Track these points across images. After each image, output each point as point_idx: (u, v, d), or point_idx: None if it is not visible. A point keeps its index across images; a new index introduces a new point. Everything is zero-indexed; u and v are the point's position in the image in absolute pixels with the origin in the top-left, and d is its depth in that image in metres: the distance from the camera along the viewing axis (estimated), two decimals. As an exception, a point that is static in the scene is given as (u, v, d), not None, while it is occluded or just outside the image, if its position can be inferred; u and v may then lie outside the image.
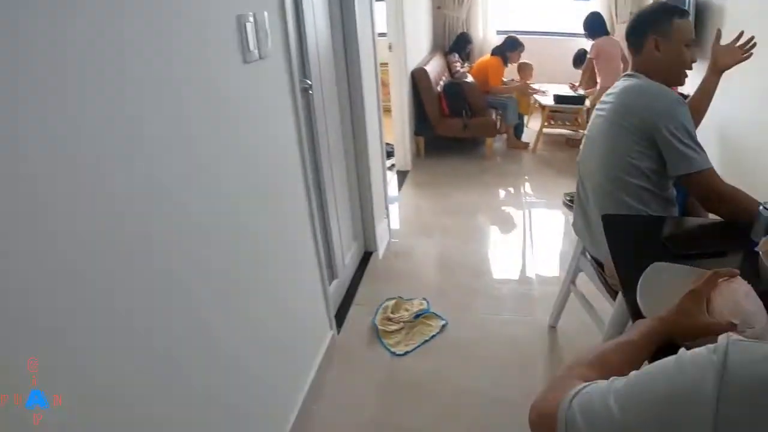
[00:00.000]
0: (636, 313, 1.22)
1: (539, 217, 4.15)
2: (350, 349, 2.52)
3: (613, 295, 2.00)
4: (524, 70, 5.81)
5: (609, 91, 1.92)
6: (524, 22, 6.87)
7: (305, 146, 1.88)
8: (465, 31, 6.41)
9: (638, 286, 1.26)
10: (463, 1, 6.29)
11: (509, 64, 5.61)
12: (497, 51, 5.57)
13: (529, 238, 3.74)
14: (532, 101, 5.96)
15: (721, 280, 1.08)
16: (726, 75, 1.98)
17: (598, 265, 2.10)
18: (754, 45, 1.96)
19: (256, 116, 1.56)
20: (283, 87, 1.74)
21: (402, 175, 4.73)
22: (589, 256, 2.23)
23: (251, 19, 1.46)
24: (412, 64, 4.82)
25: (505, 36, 5.71)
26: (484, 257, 3.45)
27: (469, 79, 5.19)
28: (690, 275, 1.25)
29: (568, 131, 5.89)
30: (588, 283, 2.30)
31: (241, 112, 1.47)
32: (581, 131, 5.68)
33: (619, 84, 1.88)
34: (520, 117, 5.70)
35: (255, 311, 1.63)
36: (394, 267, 3.25)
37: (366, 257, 3.28)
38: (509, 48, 5.49)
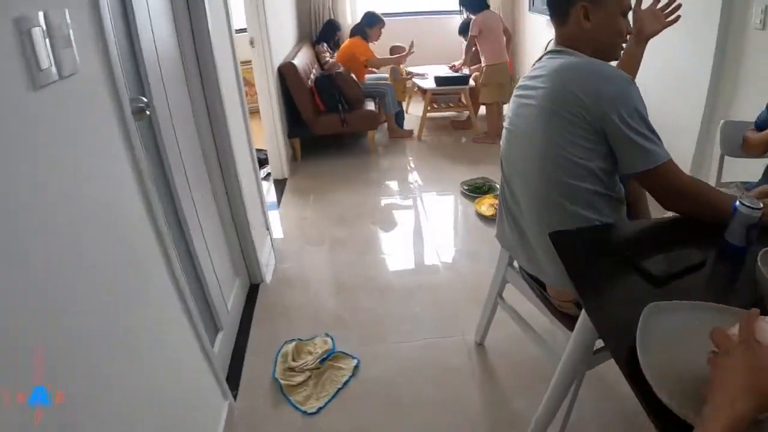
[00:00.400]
0: (608, 333, 1.10)
1: (437, 211, 3.88)
2: (253, 417, 2.07)
3: (559, 316, 1.71)
4: (397, 52, 5.52)
5: (533, 73, 1.59)
6: (395, 4, 6.59)
7: (148, 183, 1.41)
8: (332, 17, 6.01)
9: (638, 339, 0.97)
10: None
11: (372, 42, 5.31)
12: (356, 30, 5.28)
13: (431, 238, 3.45)
14: (410, 85, 5.69)
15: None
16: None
17: (535, 281, 1.79)
18: (679, 6, 1.74)
19: (61, 162, 1.07)
20: (105, 112, 1.26)
21: (280, 185, 4.28)
22: (518, 267, 1.94)
23: (41, 22, 0.97)
24: (279, 59, 4.36)
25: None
26: (386, 270, 3.10)
27: (342, 69, 4.79)
28: (700, 313, 1.02)
29: (453, 113, 5.69)
30: (515, 293, 2.02)
31: (37, 161, 0.99)
32: (465, 112, 5.49)
33: (545, 63, 1.56)
34: (399, 104, 5.39)
35: (128, 410, 1.19)
36: (287, 298, 2.81)
37: (253, 292, 2.83)
38: (367, 24, 5.20)
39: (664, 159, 1.40)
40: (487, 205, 3.73)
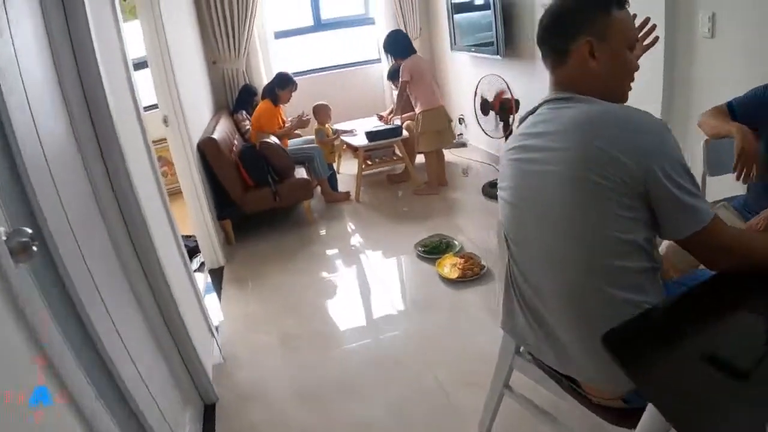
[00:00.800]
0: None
1: (396, 280, 3.56)
2: None
3: (600, 411, 1.40)
4: (320, 112, 5.23)
5: (532, 129, 1.33)
6: (310, 60, 6.34)
7: (57, 341, 1.02)
8: (247, 82, 5.67)
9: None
10: (240, 51, 5.56)
11: (282, 105, 5.03)
12: (266, 91, 4.96)
13: (399, 315, 3.11)
14: (337, 143, 5.40)
15: None
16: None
17: (564, 377, 1.46)
18: (654, 27, 1.58)
19: None
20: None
21: (216, 275, 3.84)
22: (529, 357, 1.62)
23: None
24: (197, 135, 3.98)
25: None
26: (353, 364, 2.71)
27: (273, 139, 4.44)
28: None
29: (388, 167, 5.43)
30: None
31: None
32: (401, 164, 5.23)
33: (549, 114, 1.30)
34: (330, 166, 5.07)
35: None
36: (250, 417, 2.38)
37: (209, 414, 2.39)
38: (278, 85, 4.89)
39: (711, 215, 1.16)
40: (449, 266, 3.42)
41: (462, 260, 3.45)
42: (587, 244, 1.21)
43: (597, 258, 1.21)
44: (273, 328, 3.09)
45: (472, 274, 3.31)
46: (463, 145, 6.12)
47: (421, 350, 2.72)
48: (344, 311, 3.25)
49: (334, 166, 5.49)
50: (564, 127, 1.21)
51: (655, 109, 3.11)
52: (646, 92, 3.16)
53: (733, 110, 2.02)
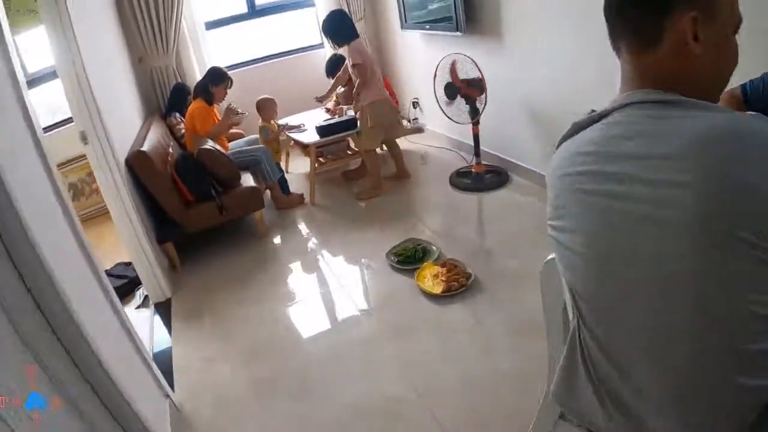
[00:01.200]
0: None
1: (373, 300, 3.13)
2: None
3: None
4: (265, 107, 4.73)
5: (610, 147, 0.94)
6: (248, 51, 5.82)
7: None
8: (179, 80, 5.11)
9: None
10: (169, 45, 4.99)
11: (218, 103, 4.50)
12: (198, 91, 4.41)
13: (387, 345, 2.71)
14: (283, 138, 4.91)
15: None
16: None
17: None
18: None
19: None
20: None
21: (164, 310, 3.36)
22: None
23: None
24: (125, 148, 3.45)
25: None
26: (349, 414, 2.31)
27: (210, 144, 3.93)
28: None
29: (343, 163, 4.99)
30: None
31: None
32: (357, 159, 4.81)
33: (642, 123, 0.91)
34: (279, 167, 4.60)
35: None
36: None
37: None
38: (211, 82, 4.36)
39: None
40: (430, 278, 3.05)
41: (444, 269, 3.08)
42: (717, 322, 0.84)
43: (729, 340, 0.84)
44: (238, 376, 2.65)
45: (459, 286, 2.94)
46: (420, 130, 5.74)
47: (411, 385, 2.35)
48: (321, 343, 2.82)
49: (282, 165, 5.03)
50: (679, 148, 0.82)
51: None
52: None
53: (746, 94, 1.77)
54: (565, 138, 1.07)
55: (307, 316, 3.08)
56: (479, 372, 2.36)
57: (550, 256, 1.27)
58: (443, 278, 3.00)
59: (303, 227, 4.20)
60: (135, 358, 2.23)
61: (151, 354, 2.91)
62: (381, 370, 2.52)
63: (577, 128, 1.04)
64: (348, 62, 4.18)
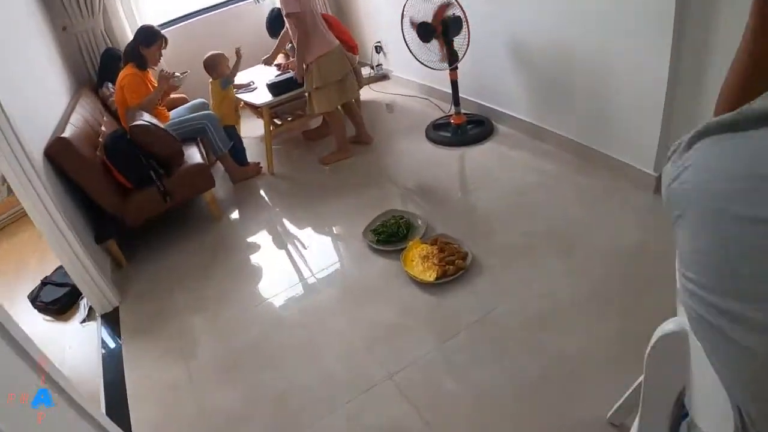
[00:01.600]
0: None
1: (349, 292, 2.70)
2: None
3: None
4: (216, 65, 4.03)
5: None
6: (184, 5, 5.16)
7: None
8: (109, 45, 4.46)
9: None
10: (94, 7, 4.33)
11: (152, 67, 3.88)
12: (127, 55, 3.78)
13: (370, 353, 2.31)
14: (236, 100, 4.31)
15: None
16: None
17: None
18: None
19: None
20: None
21: (111, 323, 2.91)
22: None
23: None
24: (43, 136, 2.91)
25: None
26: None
27: (145, 118, 3.35)
28: None
29: (302, 124, 4.47)
30: None
31: None
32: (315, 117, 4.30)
33: None
34: (231, 134, 4.04)
35: None
36: None
37: None
38: (142, 43, 3.73)
39: None
40: (419, 261, 2.65)
41: (435, 248, 2.67)
42: None
43: None
44: (208, 407, 2.23)
45: (455, 269, 2.54)
46: (385, 77, 5.23)
47: (416, 412, 1.97)
48: (298, 363, 2.36)
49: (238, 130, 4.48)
50: None
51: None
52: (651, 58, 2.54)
53: None
54: (710, 131, 0.63)
55: (278, 320, 2.64)
56: (498, 383, 2.00)
57: (670, 326, 0.85)
58: (435, 260, 2.59)
59: (263, 203, 3.73)
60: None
61: (101, 384, 2.49)
62: (379, 394, 2.12)
63: (739, 121, 0.60)
64: (282, 12, 3.54)
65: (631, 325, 2.04)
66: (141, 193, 3.23)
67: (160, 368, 2.53)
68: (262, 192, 3.86)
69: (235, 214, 3.68)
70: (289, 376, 2.29)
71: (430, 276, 2.54)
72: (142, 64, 3.76)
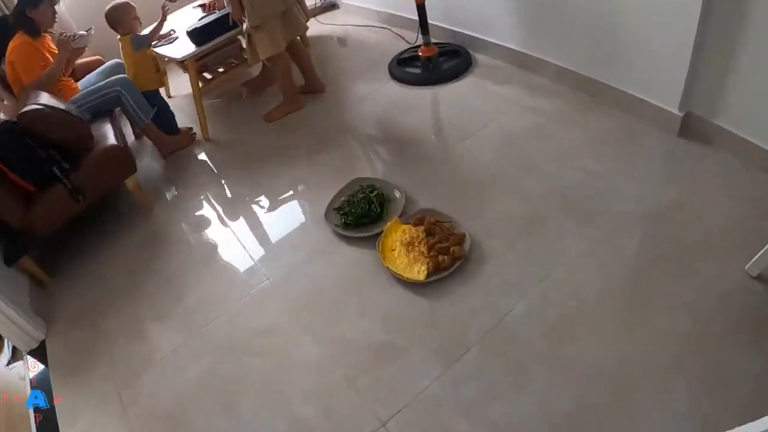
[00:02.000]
0: None
1: (316, 302, 2.17)
2: None
3: None
4: (120, 18, 3.25)
5: None
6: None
7: None
8: (5, 14, 3.62)
9: None
10: None
11: (47, 32, 3.15)
12: (14, 21, 3.03)
13: (354, 390, 1.81)
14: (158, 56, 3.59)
15: None
16: None
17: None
18: None
19: None
20: None
21: (40, 360, 2.38)
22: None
23: None
24: None
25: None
26: None
27: (45, 99, 2.67)
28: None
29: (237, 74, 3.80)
30: None
31: None
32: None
33: None
34: (153, 99, 3.34)
35: None
36: None
37: None
38: (28, 3, 2.96)
39: None
40: (402, 250, 2.13)
41: (421, 231, 2.14)
42: None
43: None
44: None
45: (451, 260, 2.03)
46: (333, 5, 4.55)
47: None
48: (259, 406, 1.86)
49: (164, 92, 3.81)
50: None
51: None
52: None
53: None
54: None
55: (230, 347, 2.10)
56: (527, 420, 1.54)
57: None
58: (423, 248, 2.06)
59: (200, 180, 3.11)
60: None
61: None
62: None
63: None
64: None
65: (680, 314, 1.59)
66: (46, 195, 2.60)
67: (97, 423, 2.02)
68: (195, 164, 3.25)
69: (169, 199, 3.07)
70: (248, 426, 1.79)
71: (419, 272, 2.01)
72: (33, 30, 3.00)
